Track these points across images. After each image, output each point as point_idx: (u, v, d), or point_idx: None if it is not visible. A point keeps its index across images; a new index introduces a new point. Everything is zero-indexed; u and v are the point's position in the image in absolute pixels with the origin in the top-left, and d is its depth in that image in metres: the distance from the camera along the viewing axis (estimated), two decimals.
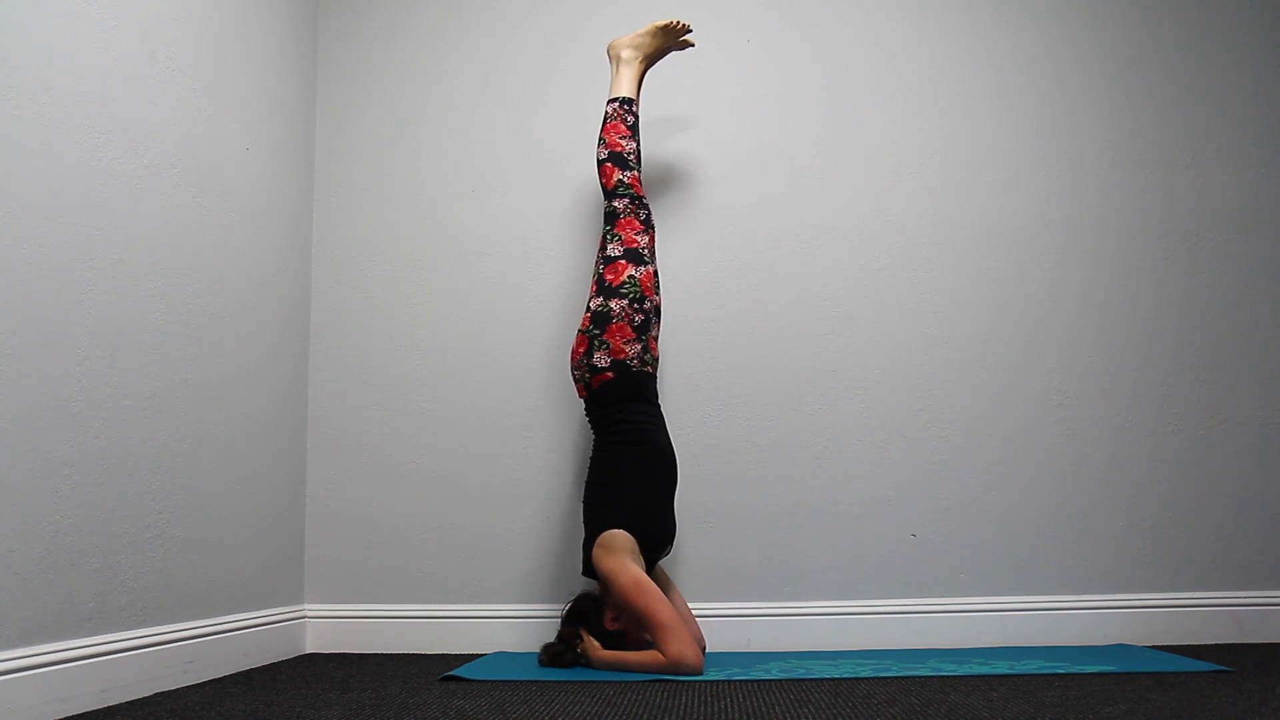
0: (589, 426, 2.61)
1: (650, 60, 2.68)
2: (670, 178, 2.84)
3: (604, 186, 2.57)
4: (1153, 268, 2.80)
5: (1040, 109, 2.86)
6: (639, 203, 2.54)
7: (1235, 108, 2.85)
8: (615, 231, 2.51)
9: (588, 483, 2.42)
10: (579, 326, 2.47)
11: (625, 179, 2.54)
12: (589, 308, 2.46)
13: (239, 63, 2.47)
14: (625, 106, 2.60)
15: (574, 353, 2.45)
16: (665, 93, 2.87)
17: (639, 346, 2.42)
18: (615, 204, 2.53)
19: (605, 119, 2.60)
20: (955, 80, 2.87)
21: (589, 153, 2.82)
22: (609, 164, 2.56)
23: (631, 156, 2.57)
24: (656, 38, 2.65)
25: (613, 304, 2.42)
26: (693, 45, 2.73)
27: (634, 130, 2.59)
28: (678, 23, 2.65)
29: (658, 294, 2.51)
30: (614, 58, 2.66)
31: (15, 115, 1.73)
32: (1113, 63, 2.87)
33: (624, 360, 2.40)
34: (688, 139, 2.87)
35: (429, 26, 2.93)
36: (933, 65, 2.88)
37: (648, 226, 2.54)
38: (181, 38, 2.22)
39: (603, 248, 2.52)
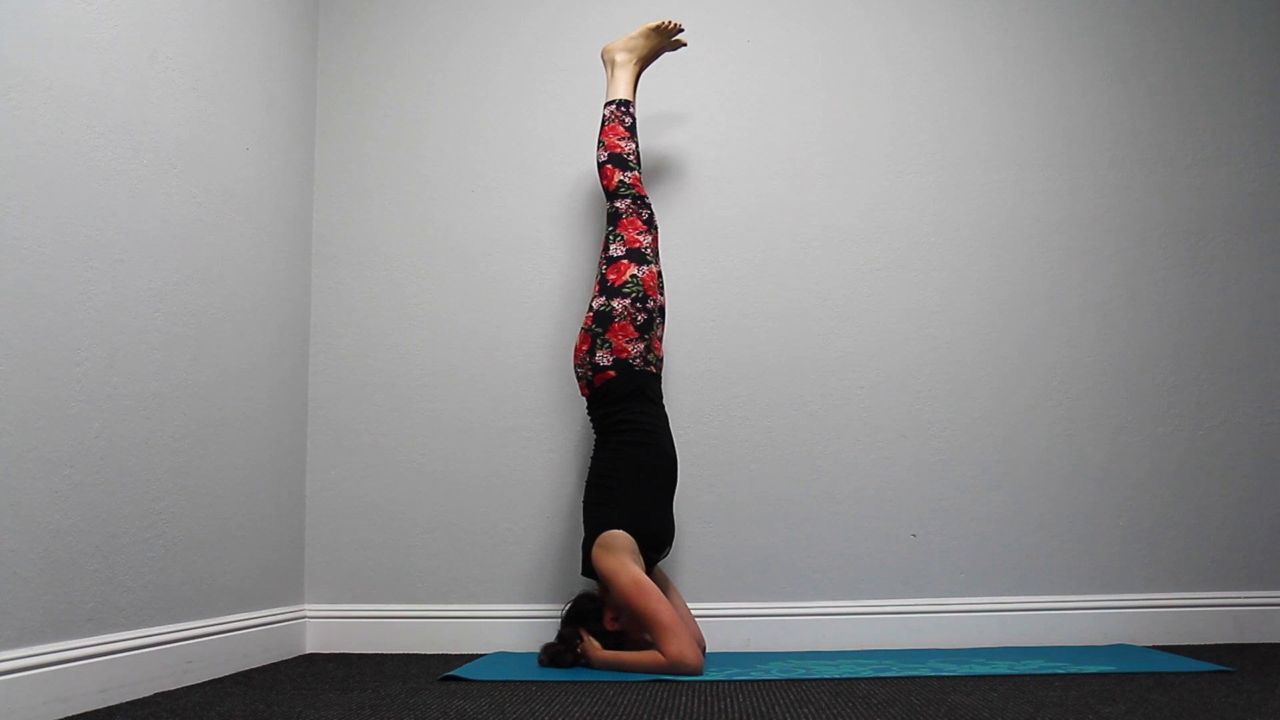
0: (590, 426, 2.61)
1: (645, 62, 2.69)
2: (670, 177, 2.84)
3: (605, 188, 2.57)
4: (1153, 268, 2.80)
5: (1040, 109, 2.86)
6: (641, 202, 2.55)
7: (1235, 108, 2.85)
8: (618, 231, 2.51)
9: (588, 483, 2.42)
10: (582, 325, 2.47)
11: (626, 179, 2.54)
12: (592, 307, 2.46)
13: (239, 63, 2.47)
14: (623, 108, 2.60)
15: (577, 350, 2.46)
16: (665, 93, 2.87)
17: (641, 345, 2.42)
18: (617, 205, 2.54)
19: (603, 121, 2.61)
20: (956, 80, 2.87)
21: (589, 152, 2.82)
22: (609, 165, 2.56)
23: (631, 157, 2.57)
24: (649, 39, 2.66)
25: (615, 303, 2.42)
26: (685, 45, 2.74)
27: (632, 131, 2.60)
28: (670, 23, 2.66)
29: (662, 294, 2.51)
30: (608, 62, 2.67)
31: (15, 115, 1.73)
32: (1113, 63, 2.87)
33: (626, 359, 2.40)
34: (687, 138, 2.87)
35: (429, 26, 2.93)
36: (933, 65, 2.88)
37: (650, 226, 2.54)
38: (181, 38, 2.22)
39: (605, 248, 2.52)
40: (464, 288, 2.83)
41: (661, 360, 2.53)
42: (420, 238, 2.85)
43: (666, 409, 2.55)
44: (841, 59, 2.89)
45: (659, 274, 2.52)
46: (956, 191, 2.83)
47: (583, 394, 2.49)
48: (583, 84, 2.88)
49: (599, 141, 2.60)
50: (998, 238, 2.81)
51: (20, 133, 1.74)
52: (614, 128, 2.58)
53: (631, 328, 2.41)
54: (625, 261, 2.47)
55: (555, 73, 2.90)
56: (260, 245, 2.55)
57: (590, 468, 2.44)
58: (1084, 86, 2.86)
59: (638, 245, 2.49)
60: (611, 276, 2.46)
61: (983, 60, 2.88)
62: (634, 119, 2.62)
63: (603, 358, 2.40)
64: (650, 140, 2.84)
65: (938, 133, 2.85)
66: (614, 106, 2.61)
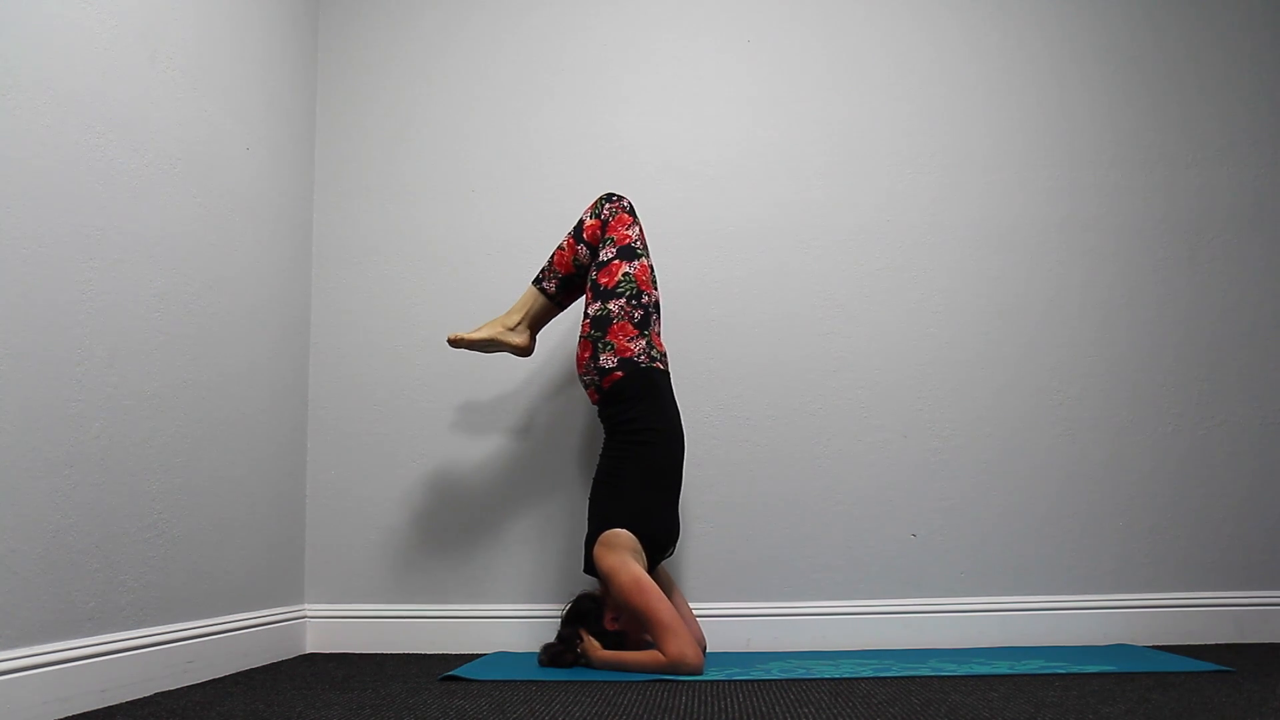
0: (598, 427, 2.62)
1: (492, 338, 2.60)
2: (670, 178, 2.84)
3: (593, 236, 2.50)
4: (1153, 268, 2.80)
5: (1041, 109, 2.86)
6: (613, 198, 2.52)
7: (1235, 108, 2.85)
8: (607, 235, 2.50)
9: (594, 480, 2.42)
10: (580, 334, 2.46)
11: (588, 210, 2.53)
12: (587, 314, 2.45)
13: (240, 63, 2.47)
14: (540, 273, 2.57)
15: (579, 360, 2.45)
16: (666, 93, 2.87)
17: (643, 342, 2.42)
18: (602, 213, 2.51)
19: (566, 269, 2.54)
20: (957, 80, 2.87)
21: (587, 153, 2.83)
22: (582, 228, 2.51)
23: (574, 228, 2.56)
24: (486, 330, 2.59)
25: (611, 305, 2.42)
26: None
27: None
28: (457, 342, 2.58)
29: (655, 289, 2.49)
30: (507, 327, 2.57)
31: (15, 115, 1.73)
32: (1113, 62, 2.87)
33: (631, 358, 2.39)
34: (688, 139, 2.87)
35: (428, 26, 2.93)
36: (934, 65, 2.88)
37: (634, 216, 2.52)
38: (182, 38, 2.22)
39: (596, 256, 2.50)
40: (464, 288, 2.83)
41: (666, 355, 2.52)
42: (420, 237, 2.85)
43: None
44: (842, 59, 2.89)
45: (651, 268, 2.50)
46: (957, 191, 2.83)
47: (592, 401, 2.47)
48: (582, 84, 2.88)
49: (572, 262, 2.53)
50: (998, 238, 2.81)
51: (20, 133, 1.74)
52: (562, 254, 2.54)
53: (630, 326, 2.41)
54: (616, 261, 2.46)
55: (554, 73, 2.90)
56: (260, 245, 2.55)
57: (598, 465, 2.44)
58: (1084, 86, 2.86)
59: (627, 241, 2.48)
60: (603, 280, 2.45)
61: (984, 60, 2.88)
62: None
63: (607, 360, 2.40)
64: (650, 140, 2.84)
65: (939, 133, 2.85)
66: (538, 281, 2.57)
